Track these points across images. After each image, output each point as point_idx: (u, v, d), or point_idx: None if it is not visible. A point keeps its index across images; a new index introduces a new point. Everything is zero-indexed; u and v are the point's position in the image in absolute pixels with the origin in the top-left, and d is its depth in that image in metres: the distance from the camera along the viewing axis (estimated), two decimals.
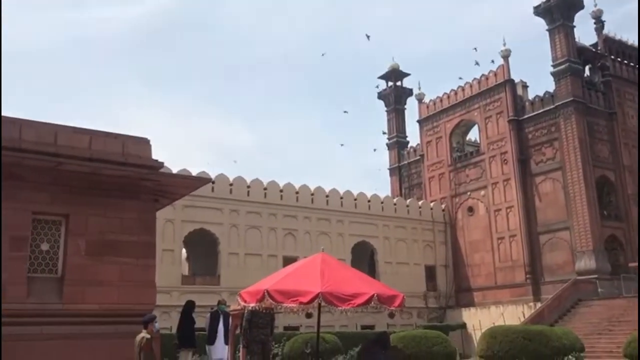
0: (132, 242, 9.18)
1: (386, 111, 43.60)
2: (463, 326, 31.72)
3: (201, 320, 14.31)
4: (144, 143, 9.59)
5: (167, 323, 22.25)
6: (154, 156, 9.61)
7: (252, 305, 8.46)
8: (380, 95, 43.85)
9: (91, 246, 8.85)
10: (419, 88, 41.52)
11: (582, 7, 33.47)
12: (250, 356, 11.18)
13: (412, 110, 42.48)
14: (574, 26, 33.26)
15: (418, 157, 40.20)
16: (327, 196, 32.53)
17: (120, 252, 9.03)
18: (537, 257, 32.28)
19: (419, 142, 40.64)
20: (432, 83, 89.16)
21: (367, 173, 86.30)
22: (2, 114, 8.52)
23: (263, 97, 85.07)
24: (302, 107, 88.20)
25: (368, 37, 50.10)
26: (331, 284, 7.96)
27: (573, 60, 32.42)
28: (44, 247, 8.71)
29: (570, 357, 17.71)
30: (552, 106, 32.59)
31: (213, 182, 27.33)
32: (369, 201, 34.02)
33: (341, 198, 33.00)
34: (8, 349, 7.87)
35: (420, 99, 40.78)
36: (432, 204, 36.85)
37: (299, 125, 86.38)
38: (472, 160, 36.33)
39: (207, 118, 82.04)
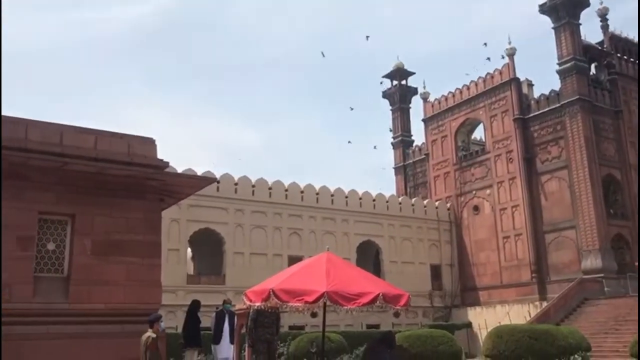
0: (137, 241, 9.19)
1: (391, 110, 43.56)
2: (469, 325, 31.69)
3: (207, 320, 14.33)
4: (150, 143, 9.60)
5: (173, 322, 22.31)
6: (159, 156, 9.63)
7: (257, 304, 8.48)
8: (385, 94, 43.82)
9: (97, 246, 8.87)
10: (424, 87, 41.53)
11: (587, 4, 33.35)
12: (255, 355, 11.20)
13: (417, 109, 42.55)
14: (580, 24, 33.16)
15: (423, 156, 40.15)
16: (332, 195, 32.53)
17: (126, 252, 9.05)
18: (543, 256, 32.19)
19: (424, 141, 40.59)
20: (437, 82, 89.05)
21: (371, 172, 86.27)
22: (7, 114, 8.55)
23: (267, 97, 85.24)
24: (305, 106, 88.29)
25: (367, 37, 50.19)
26: (336, 283, 7.97)
27: (579, 59, 32.29)
28: (50, 246, 8.74)
29: (576, 356, 17.67)
30: (557, 104, 32.49)
31: (218, 182, 27.36)
32: (374, 200, 34.01)
33: (346, 197, 33.00)
34: (14, 348, 7.91)
35: (425, 98, 40.73)
36: (437, 203, 36.80)
37: (302, 124, 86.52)
38: (478, 159, 36.26)
39: (211, 118, 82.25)
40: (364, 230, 32.80)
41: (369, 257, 33.38)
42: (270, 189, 30.52)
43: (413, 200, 36.52)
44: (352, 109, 68.61)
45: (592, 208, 30.13)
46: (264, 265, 27.81)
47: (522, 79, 35.20)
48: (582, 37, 33.46)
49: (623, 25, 73.13)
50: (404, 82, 43.33)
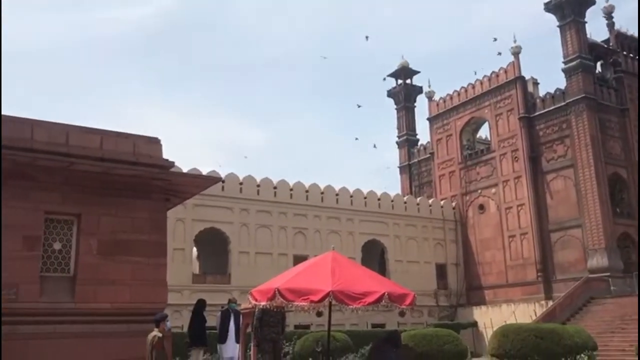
0: (143, 241, 9.22)
1: (396, 109, 43.50)
2: (474, 324, 31.63)
3: (212, 319, 14.35)
4: (155, 143, 9.64)
5: (178, 322, 22.38)
6: (164, 156, 9.66)
7: (263, 303, 8.47)
8: (390, 93, 43.75)
9: (103, 245, 8.91)
10: (429, 86, 41.48)
11: (593, 2, 33.22)
12: (261, 355, 11.21)
13: (422, 108, 42.44)
14: (586, 22, 33.02)
15: (428, 155, 40.09)
16: (337, 195, 32.52)
17: (131, 252, 9.09)
18: (549, 255, 32.09)
19: (429, 140, 40.52)
20: (441, 81, 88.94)
21: (376, 171, 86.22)
22: (11, 114, 8.59)
23: (271, 97, 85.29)
24: (310, 106, 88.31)
25: (367, 37, 50.24)
26: (342, 282, 7.96)
27: (584, 57, 32.17)
28: (57, 246, 8.78)
29: (582, 355, 17.61)
30: (563, 103, 32.37)
31: (223, 182, 27.40)
32: (379, 199, 33.99)
33: (351, 196, 32.98)
34: (21, 347, 7.95)
35: (430, 97, 40.67)
36: (442, 202, 36.75)
37: (307, 124, 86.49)
38: (483, 158, 36.18)
39: (216, 118, 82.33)
40: (369, 230, 32.78)
41: (374, 256, 33.35)
42: (275, 188, 30.54)
43: (418, 199, 36.47)
44: (359, 106, 68.45)
45: (598, 207, 30.02)
46: (269, 265, 27.83)
47: (527, 77, 35.10)
48: (588, 35, 33.31)
49: (629, 23, 72.72)
50: (408, 81, 43.25)
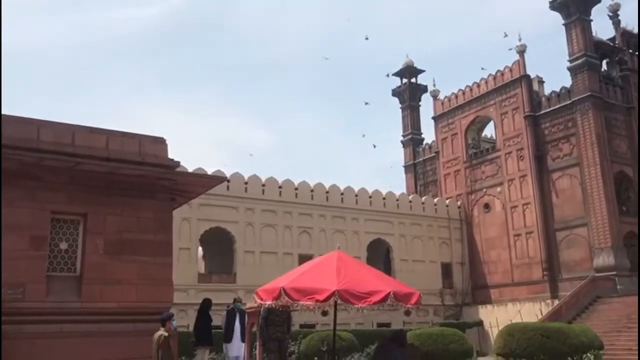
0: (149, 240, 9.25)
1: (401, 108, 43.43)
2: (480, 323, 31.57)
3: (218, 318, 14.38)
4: (160, 142, 9.66)
5: (184, 321, 22.41)
6: (170, 155, 9.68)
7: (268, 303, 8.47)
8: (395, 92, 43.70)
9: (109, 245, 8.94)
10: (434, 85, 41.36)
11: (598, 0, 33.01)
12: (266, 354, 11.24)
13: (426, 107, 42.35)
14: (591, 20, 32.85)
15: (433, 154, 40.02)
16: (342, 194, 32.50)
17: (137, 251, 9.11)
18: (555, 254, 32.00)
19: (434, 139, 40.45)
20: (445, 80, 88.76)
21: (381, 171, 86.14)
22: (20, 115, 8.63)
23: (276, 96, 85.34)
24: (314, 105, 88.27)
25: (367, 38, 50.11)
26: (347, 281, 7.96)
27: (590, 55, 32.03)
28: (63, 246, 8.81)
29: (589, 354, 17.55)
30: (568, 101, 32.25)
31: (228, 181, 27.42)
32: (384, 199, 33.95)
33: (356, 196, 32.96)
34: (27, 346, 7.98)
35: (435, 96, 40.58)
36: (447, 201, 36.69)
37: (312, 123, 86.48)
38: (488, 157, 36.10)
39: (221, 117, 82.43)
40: (374, 229, 32.76)
41: (379, 255, 33.33)
42: (280, 187, 30.55)
43: (423, 198, 36.42)
44: (367, 103, 68.47)
45: (604, 205, 29.90)
46: (275, 264, 27.84)
47: (532, 75, 34.96)
48: (593, 34, 33.16)
49: (635, 21, 72.35)
50: (413, 80, 43.19)
